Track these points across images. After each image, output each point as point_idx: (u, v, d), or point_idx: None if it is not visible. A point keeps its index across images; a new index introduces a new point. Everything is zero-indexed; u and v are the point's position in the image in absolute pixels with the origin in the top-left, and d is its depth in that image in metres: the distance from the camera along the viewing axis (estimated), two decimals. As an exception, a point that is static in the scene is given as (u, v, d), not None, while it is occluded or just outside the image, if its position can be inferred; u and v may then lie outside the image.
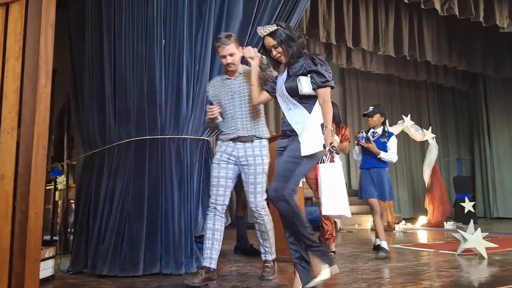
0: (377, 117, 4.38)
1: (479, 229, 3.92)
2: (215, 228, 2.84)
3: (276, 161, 2.57)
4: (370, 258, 3.88)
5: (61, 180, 4.92)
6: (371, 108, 4.46)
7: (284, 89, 2.51)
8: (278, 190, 2.38)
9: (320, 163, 2.39)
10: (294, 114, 2.49)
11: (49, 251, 3.12)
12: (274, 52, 2.53)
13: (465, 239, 3.90)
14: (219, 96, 2.99)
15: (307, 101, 2.50)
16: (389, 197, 4.26)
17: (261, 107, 3.00)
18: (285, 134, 2.58)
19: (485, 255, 3.74)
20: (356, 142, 4.44)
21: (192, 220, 3.37)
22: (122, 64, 3.47)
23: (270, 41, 2.51)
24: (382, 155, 4.23)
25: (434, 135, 7.90)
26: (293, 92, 2.48)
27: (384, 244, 3.98)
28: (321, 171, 2.34)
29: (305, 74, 2.45)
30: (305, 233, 2.41)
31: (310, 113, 2.46)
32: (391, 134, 4.41)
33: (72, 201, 4.66)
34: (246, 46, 3.06)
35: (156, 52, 3.42)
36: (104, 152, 3.46)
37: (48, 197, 5.32)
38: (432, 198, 7.86)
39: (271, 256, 3.03)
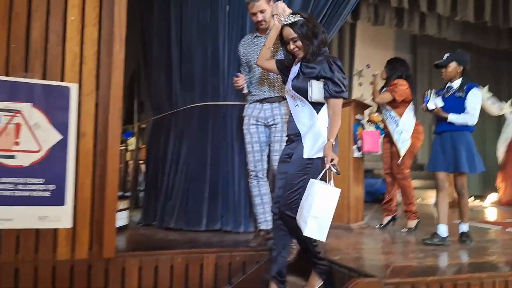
0: (453, 66, 3.31)
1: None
2: (261, 193, 2.88)
3: (279, 168, 2.43)
4: (430, 232, 3.82)
5: (132, 141, 5.29)
6: (446, 56, 3.42)
7: (291, 86, 2.33)
8: (286, 199, 2.25)
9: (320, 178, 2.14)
10: (301, 111, 2.30)
11: (123, 204, 3.45)
12: (292, 46, 2.28)
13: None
14: (249, 55, 2.90)
15: (316, 103, 2.29)
16: (469, 169, 3.19)
17: None
18: (289, 139, 2.41)
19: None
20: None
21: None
22: (188, 31, 3.61)
23: (289, 33, 2.27)
24: (451, 118, 3.22)
25: (512, 110, 7.35)
26: (301, 93, 2.27)
27: (441, 230, 3.17)
28: (319, 191, 2.07)
29: (318, 78, 2.24)
30: (312, 249, 2.30)
31: (317, 113, 2.26)
32: (471, 87, 3.30)
33: (141, 161, 5.00)
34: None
35: (220, 19, 3.51)
36: (170, 116, 3.68)
37: (120, 157, 5.74)
38: (505, 176, 7.41)
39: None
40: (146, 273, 2.56)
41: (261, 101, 2.83)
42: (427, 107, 3.34)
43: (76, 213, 2.47)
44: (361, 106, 4.11)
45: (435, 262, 2.63)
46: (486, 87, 7.08)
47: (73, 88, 2.48)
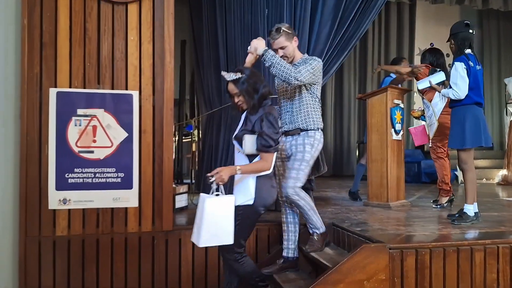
0: (452, 44, 3.33)
1: None
2: (288, 222, 2.96)
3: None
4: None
5: (195, 133, 5.94)
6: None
7: (234, 137, 2.47)
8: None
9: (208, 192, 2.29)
10: (238, 159, 2.46)
11: (183, 188, 4.05)
12: (236, 99, 2.44)
13: None
14: (277, 87, 3.02)
15: (250, 155, 2.42)
16: (453, 144, 3.24)
17: (309, 98, 2.84)
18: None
19: None
20: None
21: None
22: (232, 34, 4.08)
23: (232, 88, 2.42)
24: (442, 92, 3.34)
25: None
26: (240, 144, 2.41)
27: (467, 209, 3.14)
28: (206, 204, 2.18)
29: (253, 132, 2.36)
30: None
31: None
32: (455, 61, 3.22)
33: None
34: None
35: (260, 21, 3.93)
36: (221, 111, 4.19)
37: (187, 148, 6.46)
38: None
39: (318, 230, 2.90)
40: (198, 243, 3.12)
41: (285, 134, 2.87)
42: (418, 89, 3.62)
43: (141, 194, 3.08)
44: (399, 91, 4.31)
45: (448, 232, 2.86)
46: None
47: (135, 94, 3.08)
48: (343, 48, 4.21)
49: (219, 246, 2.38)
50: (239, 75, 2.38)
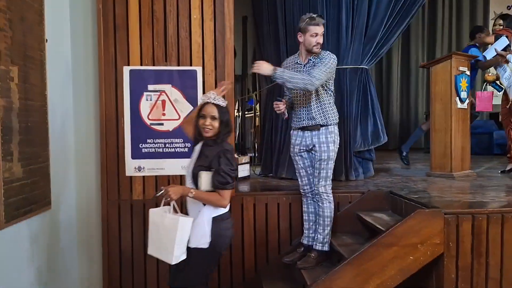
0: None
1: None
2: (309, 211, 3.02)
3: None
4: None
5: (257, 108, 6.11)
6: None
7: (192, 173, 2.28)
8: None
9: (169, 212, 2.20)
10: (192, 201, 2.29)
11: (245, 159, 4.27)
12: (208, 122, 2.25)
13: None
14: None
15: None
16: None
17: (325, 94, 2.87)
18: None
19: None
20: None
21: (351, 139, 3.98)
22: (291, 9, 4.14)
23: (213, 111, 2.25)
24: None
25: None
26: (195, 181, 2.25)
27: None
28: (181, 224, 2.13)
29: (209, 168, 2.22)
30: None
31: (204, 204, 2.24)
32: None
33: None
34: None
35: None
36: (280, 85, 4.29)
37: (251, 123, 6.67)
38: None
39: (319, 246, 2.89)
40: (259, 208, 3.33)
41: (302, 129, 2.92)
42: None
43: (206, 163, 3.33)
44: (465, 58, 4.14)
45: (508, 199, 2.79)
46: None
47: (199, 70, 3.29)
48: (404, 16, 4.12)
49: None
50: (226, 102, 2.31)
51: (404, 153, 4.94)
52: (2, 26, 2.25)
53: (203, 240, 2.21)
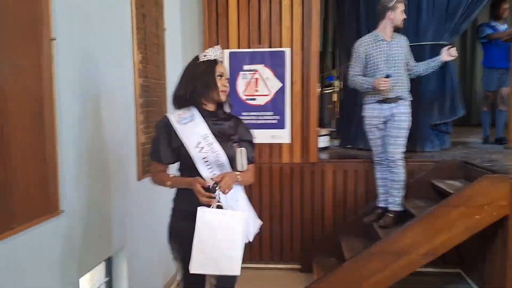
0: None
1: None
2: (383, 177, 3.33)
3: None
4: None
5: (338, 83, 6.41)
6: None
7: (221, 150, 1.81)
8: None
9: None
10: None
11: (325, 131, 4.69)
12: (226, 84, 1.89)
13: None
14: (372, 56, 3.19)
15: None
16: None
17: (405, 71, 3.21)
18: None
19: None
20: None
21: (428, 112, 4.22)
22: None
23: (225, 69, 1.92)
24: None
25: None
26: (231, 159, 1.84)
27: None
28: (199, 216, 1.68)
29: (240, 142, 1.90)
30: None
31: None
32: None
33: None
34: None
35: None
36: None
37: (329, 99, 7.02)
38: None
39: (395, 207, 3.20)
40: (338, 174, 3.77)
41: (381, 101, 3.15)
42: None
43: (292, 133, 3.82)
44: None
45: None
46: None
47: (287, 51, 3.74)
48: None
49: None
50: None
51: (498, 138, 4.88)
52: (139, 20, 2.87)
53: (253, 231, 1.96)
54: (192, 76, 1.86)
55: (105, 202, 2.30)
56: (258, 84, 3.80)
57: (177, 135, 1.82)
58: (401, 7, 3.15)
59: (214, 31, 3.78)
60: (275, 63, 3.77)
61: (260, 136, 3.86)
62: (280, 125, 3.82)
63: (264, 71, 3.77)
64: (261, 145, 3.86)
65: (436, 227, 2.73)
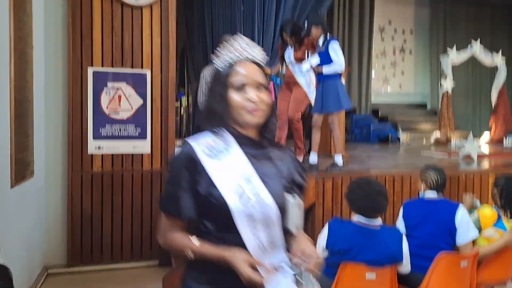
0: (314, 31, 4.22)
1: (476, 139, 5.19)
2: None
3: None
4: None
5: (184, 100, 7.16)
6: (305, 25, 4.28)
7: (271, 199, 1.23)
8: None
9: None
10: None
11: (179, 142, 5.36)
12: (260, 95, 1.26)
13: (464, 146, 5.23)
14: None
15: None
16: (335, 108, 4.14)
17: None
18: None
19: (475, 159, 5.08)
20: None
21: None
22: (216, 24, 5.33)
23: (257, 74, 1.28)
24: (324, 70, 4.08)
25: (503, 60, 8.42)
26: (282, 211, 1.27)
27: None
28: None
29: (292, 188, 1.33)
30: None
31: None
32: (329, 41, 4.09)
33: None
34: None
35: (237, 16, 5.16)
36: (207, 83, 5.46)
37: (177, 111, 7.71)
38: (496, 117, 8.63)
39: None
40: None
41: None
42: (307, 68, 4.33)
43: (152, 144, 4.38)
44: None
45: None
46: (478, 40, 8.19)
47: (148, 73, 4.32)
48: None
49: None
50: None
51: None
52: (17, 41, 3.10)
53: None
54: (209, 88, 1.32)
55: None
56: (121, 100, 4.26)
57: (205, 176, 1.22)
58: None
59: (78, 49, 4.10)
60: (137, 82, 4.29)
61: (123, 147, 4.32)
62: (141, 136, 4.35)
63: (127, 89, 4.26)
64: (124, 155, 4.31)
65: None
